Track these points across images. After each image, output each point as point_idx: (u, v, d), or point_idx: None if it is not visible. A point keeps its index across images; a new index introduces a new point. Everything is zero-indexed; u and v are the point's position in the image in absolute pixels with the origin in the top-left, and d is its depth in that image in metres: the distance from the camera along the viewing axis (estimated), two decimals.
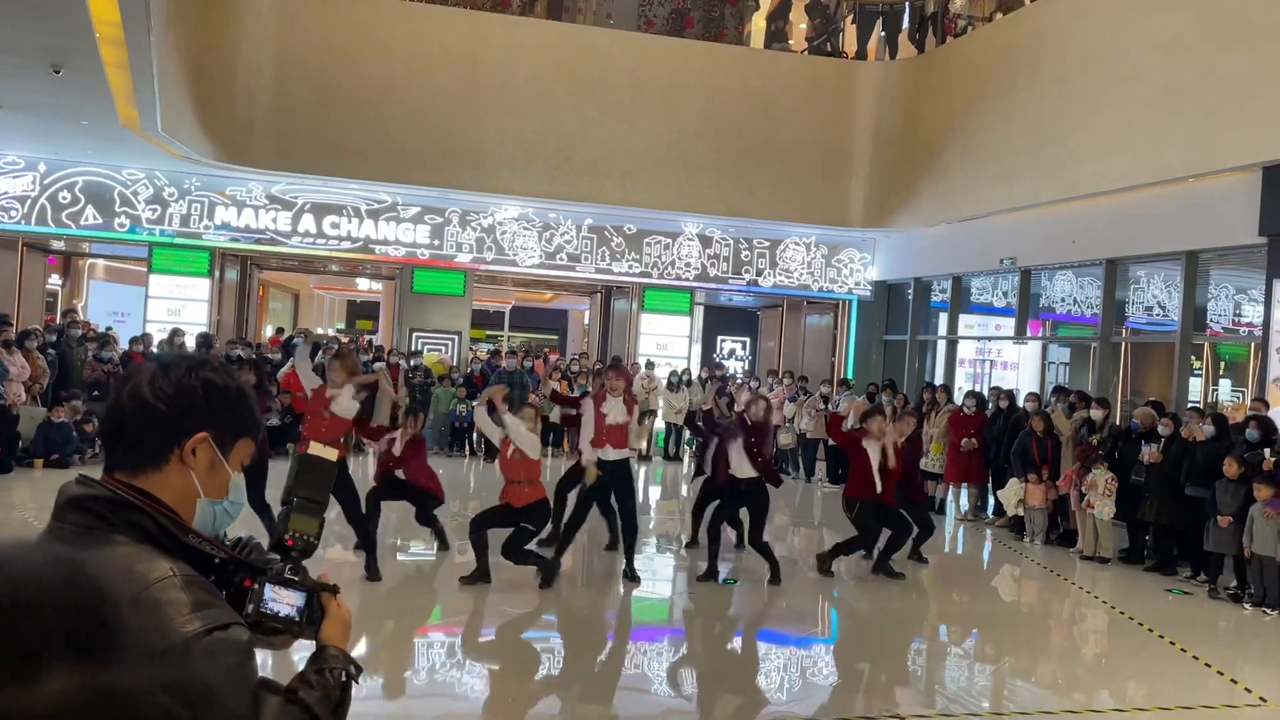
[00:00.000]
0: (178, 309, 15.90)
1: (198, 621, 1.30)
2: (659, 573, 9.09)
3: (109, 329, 15.34)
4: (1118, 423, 10.99)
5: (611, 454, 7.74)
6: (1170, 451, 9.41)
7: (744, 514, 8.58)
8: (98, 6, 7.95)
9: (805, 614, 7.91)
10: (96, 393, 12.81)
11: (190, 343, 14.66)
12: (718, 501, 8.55)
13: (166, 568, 1.33)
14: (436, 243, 16.52)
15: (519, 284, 20.62)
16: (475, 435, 15.58)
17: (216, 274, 16.38)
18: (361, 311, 27.94)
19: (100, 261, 19.23)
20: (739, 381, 16.34)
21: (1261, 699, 6.05)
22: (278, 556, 1.52)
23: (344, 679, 1.51)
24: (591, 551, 9.03)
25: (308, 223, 16.02)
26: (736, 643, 7.09)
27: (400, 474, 8.13)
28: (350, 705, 1.52)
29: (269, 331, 20.51)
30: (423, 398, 14.49)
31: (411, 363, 15.49)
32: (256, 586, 1.46)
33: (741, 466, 8.05)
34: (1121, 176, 11.46)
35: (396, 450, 8.06)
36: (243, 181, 15.63)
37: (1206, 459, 8.96)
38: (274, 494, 7.35)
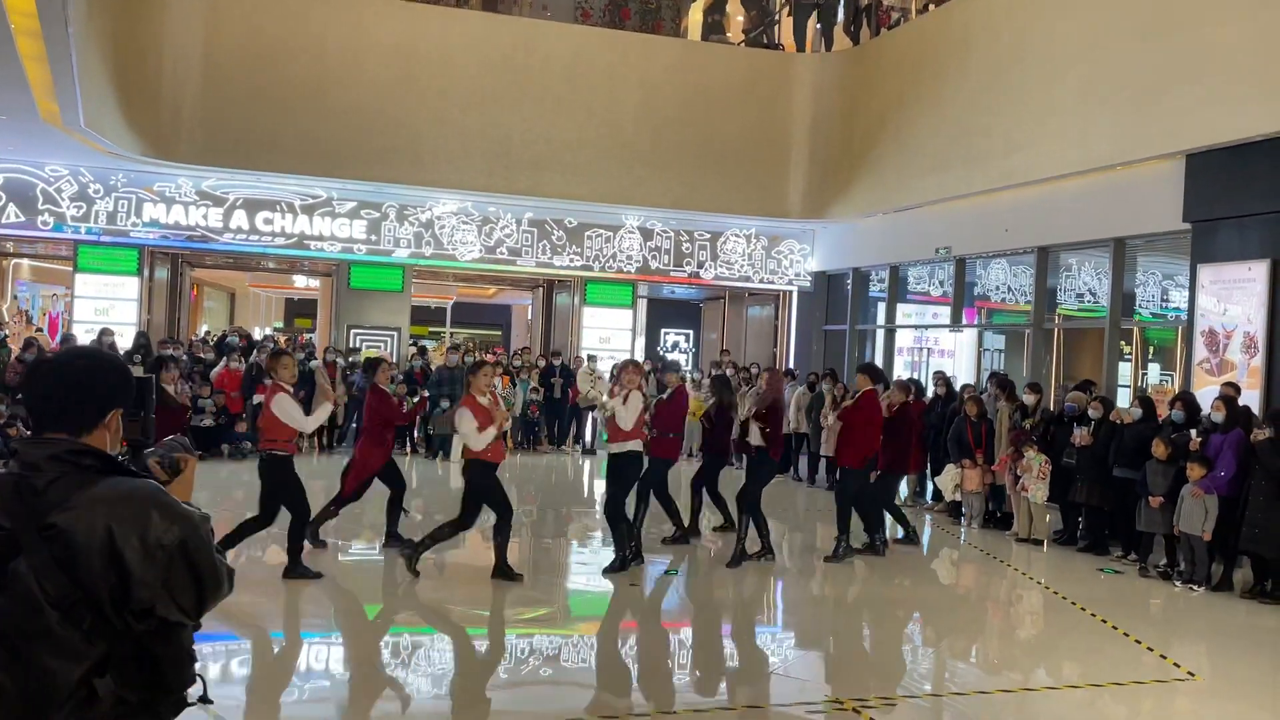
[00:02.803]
0: (105, 309, 15.47)
1: (190, 507, 2.06)
2: (604, 565, 9.06)
3: (38, 329, 14.91)
4: (1050, 407, 11.20)
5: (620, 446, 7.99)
6: (1099, 434, 9.62)
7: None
8: None
9: (748, 602, 7.95)
10: (20, 395, 12.41)
11: (127, 343, 14.32)
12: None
13: (152, 482, 2.07)
14: (374, 238, 16.29)
15: (460, 279, 20.42)
16: (417, 433, 15.41)
17: (146, 273, 15.97)
18: (300, 309, 27.46)
19: (25, 261, 18.65)
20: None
21: (1190, 674, 6.21)
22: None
23: None
24: (536, 547, 8.98)
25: (240, 219, 15.68)
26: (680, 633, 7.09)
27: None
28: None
29: (203, 329, 20.08)
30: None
31: (349, 360, 15.26)
32: None
33: (753, 434, 8.64)
34: (1050, 165, 11.68)
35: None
36: (171, 177, 15.25)
37: (1134, 441, 9.18)
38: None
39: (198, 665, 2.05)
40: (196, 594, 2.00)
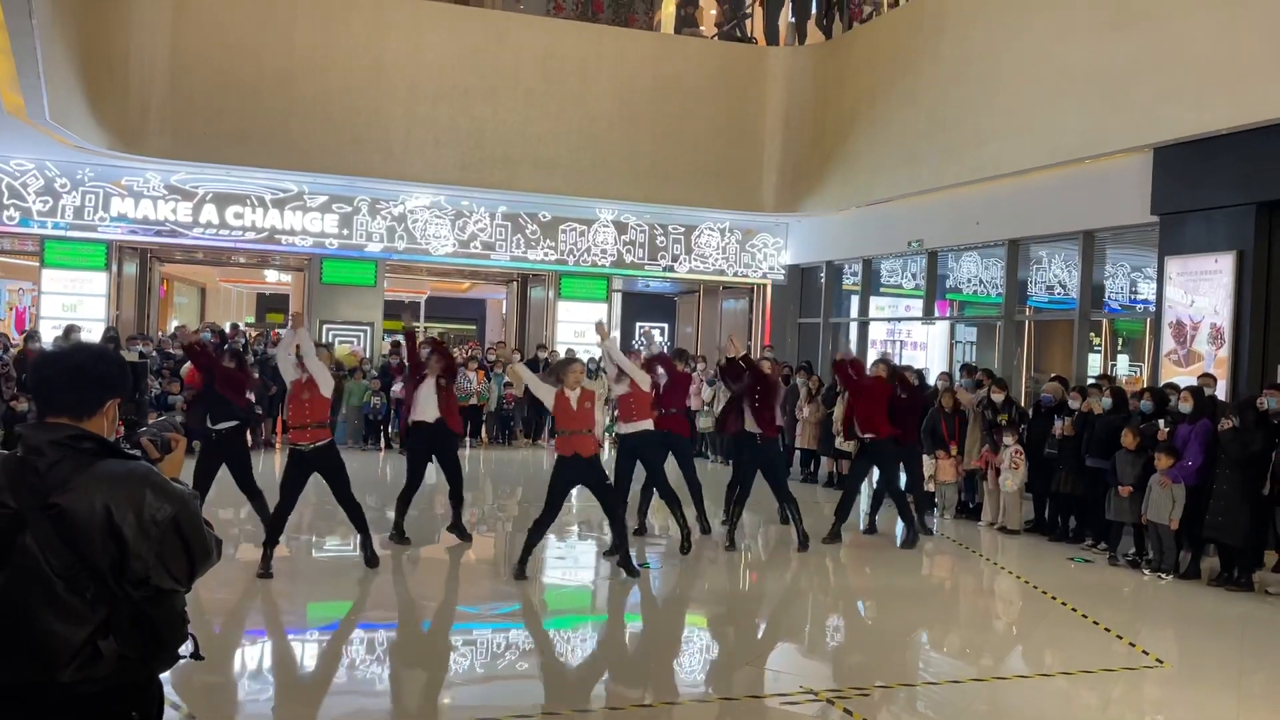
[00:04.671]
0: (74, 305, 15.27)
1: (180, 485, 2.30)
2: (580, 560, 9.08)
3: None
4: (1021, 401, 11.30)
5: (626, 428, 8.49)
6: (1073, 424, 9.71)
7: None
8: None
9: (721, 593, 7.97)
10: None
11: (95, 338, 14.13)
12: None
13: (145, 463, 2.29)
14: (345, 232, 16.18)
15: (434, 273, 20.33)
16: (389, 428, 15.33)
17: (114, 268, 15.78)
18: (272, 304, 27.24)
19: None
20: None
21: (1159, 660, 6.30)
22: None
23: None
24: (513, 539, 8.96)
25: (209, 213, 15.52)
26: (653, 625, 7.10)
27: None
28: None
29: (173, 325, 19.85)
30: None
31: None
32: None
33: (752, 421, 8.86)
34: (1021, 158, 11.78)
35: None
36: (139, 171, 15.06)
37: (1105, 431, 9.27)
38: None
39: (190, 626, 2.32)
40: (188, 564, 2.25)
